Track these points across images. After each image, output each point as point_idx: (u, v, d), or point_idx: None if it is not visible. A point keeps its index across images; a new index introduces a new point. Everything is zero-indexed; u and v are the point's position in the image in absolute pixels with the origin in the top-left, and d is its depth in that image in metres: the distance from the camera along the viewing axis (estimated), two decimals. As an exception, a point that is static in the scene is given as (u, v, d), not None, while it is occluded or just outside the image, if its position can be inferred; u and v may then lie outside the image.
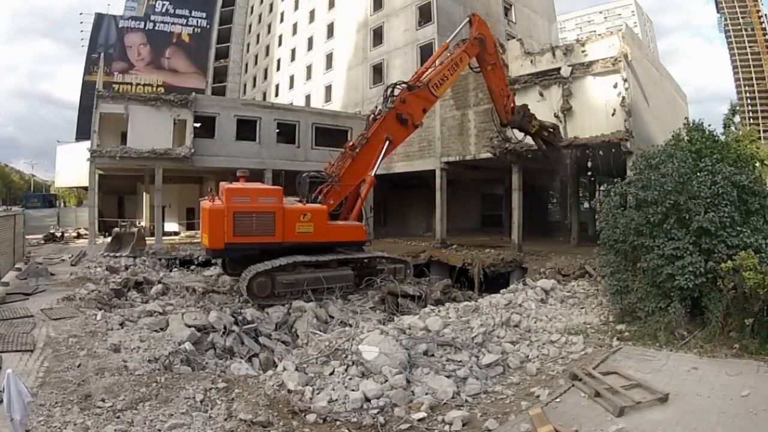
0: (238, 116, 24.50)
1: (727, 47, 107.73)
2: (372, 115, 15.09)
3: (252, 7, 61.63)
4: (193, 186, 30.77)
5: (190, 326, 9.76)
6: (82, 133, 40.66)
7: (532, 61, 18.03)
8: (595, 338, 8.81)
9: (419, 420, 5.99)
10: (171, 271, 18.24)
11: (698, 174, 9.08)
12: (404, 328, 8.73)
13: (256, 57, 58.25)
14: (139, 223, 26.99)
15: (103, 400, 6.13)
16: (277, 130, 25.89)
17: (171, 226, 28.47)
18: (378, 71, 33.56)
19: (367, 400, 6.41)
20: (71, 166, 34.27)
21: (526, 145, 18.02)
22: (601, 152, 16.60)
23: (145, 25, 58.07)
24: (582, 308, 10.82)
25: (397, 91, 14.97)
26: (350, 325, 10.53)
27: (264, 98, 50.65)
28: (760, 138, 36.04)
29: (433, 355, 7.82)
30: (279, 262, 13.04)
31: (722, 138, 12.77)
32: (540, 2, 38.77)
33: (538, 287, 11.71)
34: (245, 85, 61.13)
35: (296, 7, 47.13)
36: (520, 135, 17.53)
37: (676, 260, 8.56)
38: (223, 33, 62.09)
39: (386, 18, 33.00)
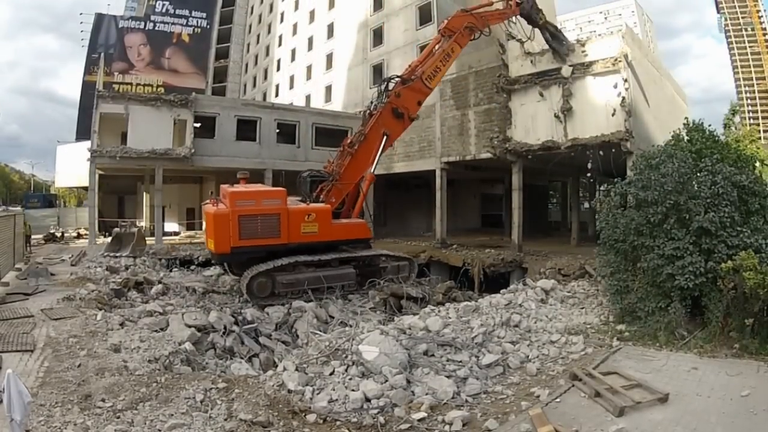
0: (238, 116, 24.53)
1: (727, 47, 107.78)
2: (368, 111, 15.11)
3: (252, 7, 61.54)
4: (193, 186, 30.78)
5: (190, 326, 9.77)
6: (82, 133, 40.61)
7: (532, 62, 18.03)
8: (595, 338, 8.81)
9: (419, 420, 5.99)
10: (171, 271, 18.25)
11: (698, 174, 9.09)
12: (404, 328, 8.73)
13: (256, 57, 58.19)
14: (139, 223, 27.00)
15: (103, 400, 6.14)
16: (278, 130, 25.90)
17: (171, 226, 28.48)
18: (378, 71, 33.49)
19: (368, 400, 6.41)
20: (71, 166, 34.28)
21: (526, 145, 18.03)
22: (601, 152, 16.61)
23: (145, 26, 58.01)
24: (582, 308, 10.83)
25: (391, 86, 15.00)
26: (350, 325, 10.54)
27: (264, 98, 50.60)
28: (760, 138, 36.06)
29: (433, 355, 7.82)
30: (280, 262, 13.04)
31: (722, 138, 12.77)
32: (540, 2, 38.69)
33: (538, 287, 11.71)
34: (245, 86, 61.06)
35: (296, 8, 47.08)
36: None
37: (676, 260, 8.56)
38: (223, 33, 62.02)
39: (386, 18, 32.97)
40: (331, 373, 7.17)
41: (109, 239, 21.63)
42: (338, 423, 6.00)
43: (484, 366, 7.60)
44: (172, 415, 5.91)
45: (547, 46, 17.70)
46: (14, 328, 8.86)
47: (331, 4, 40.29)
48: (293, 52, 47.29)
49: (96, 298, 11.55)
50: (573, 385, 6.71)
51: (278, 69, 50.75)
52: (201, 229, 24.41)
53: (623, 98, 15.43)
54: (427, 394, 6.61)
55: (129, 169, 24.68)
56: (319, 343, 8.26)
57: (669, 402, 6.05)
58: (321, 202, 14.21)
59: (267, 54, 54.68)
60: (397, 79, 15.17)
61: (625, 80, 15.41)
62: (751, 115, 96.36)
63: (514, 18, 17.57)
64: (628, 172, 14.01)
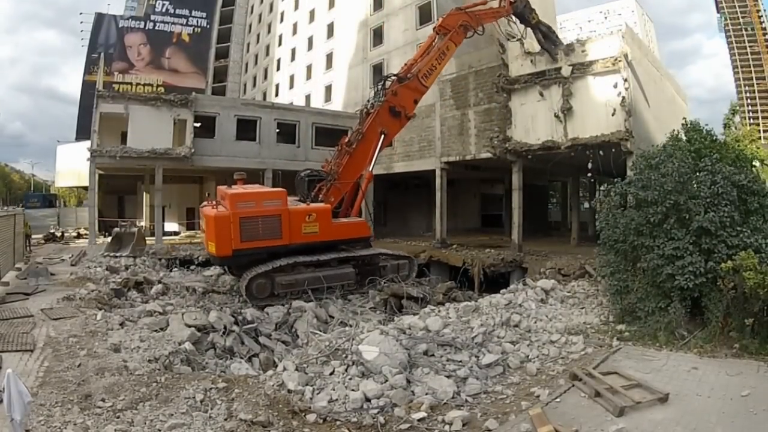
0: (238, 116, 24.52)
1: (727, 47, 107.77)
2: (365, 110, 15.16)
3: (252, 7, 61.53)
4: (193, 186, 30.76)
5: (190, 326, 9.76)
6: (83, 133, 40.57)
7: (532, 61, 18.01)
8: (595, 338, 8.81)
9: (419, 420, 5.99)
10: (171, 271, 18.25)
11: (698, 174, 9.09)
12: (404, 328, 8.73)
13: (256, 57, 58.18)
14: (139, 223, 26.99)
15: (103, 400, 6.14)
16: (277, 130, 25.89)
17: (171, 226, 28.46)
18: (378, 71, 33.47)
19: (367, 400, 6.41)
20: (71, 166, 34.27)
21: (526, 145, 18.02)
22: (601, 152, 16.60)
23: (145, 25, 57.96)
24: (582, 308, 10.82)
25: (388, 84, 15.04)
26: (350, 325, 10.53)
27: (264, 98, 50.59)
28: (760, 138, 36.04)
29: (433, 355, 7.82)
30: (279, 262, 13.01)
31: (721, 138, 12.76)
32: (540, 2, 38.66)
33: (538, 287, 11.70)
34: (245, 85, 61.05)
35: (296, 7, 47.08)
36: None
37: (676, 260, 8.56)
38: (223, 33, 61.98)
39: (386, 18, 32.96)
40: (331, 373, 7.18)
41: (109, 239, 21.63)
42: (338, 423, 6.00)
43: (484, 366, 7.60)
44: (172, 414, 5.91)
45: (544, 46, 17.69)
46: (14, 328, 8.85)
47: (331, 4, 40.28)
48: (293, 51, 47.29)
49: (96, 298, 11.54)
50: (573, 385, 6.71)
51: (278, 69, 50.74)
52: (201, 229, 24.38)
53: (623, 98, 15.42)
54: (427, 394, 6.61)
55: (129, 169, 24.67)
56: (319, 343, 8.26)
57: (669, 402, 6.04)
58: (319, 202, 14.20)
59: (267, 54, 54.68)
60: (393, 77, 15.22)
61: (625, 80, 15.40)
62: (751, 115, 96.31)
63: (512, 17, 17.60)
64: (628, 171, 14.01)
